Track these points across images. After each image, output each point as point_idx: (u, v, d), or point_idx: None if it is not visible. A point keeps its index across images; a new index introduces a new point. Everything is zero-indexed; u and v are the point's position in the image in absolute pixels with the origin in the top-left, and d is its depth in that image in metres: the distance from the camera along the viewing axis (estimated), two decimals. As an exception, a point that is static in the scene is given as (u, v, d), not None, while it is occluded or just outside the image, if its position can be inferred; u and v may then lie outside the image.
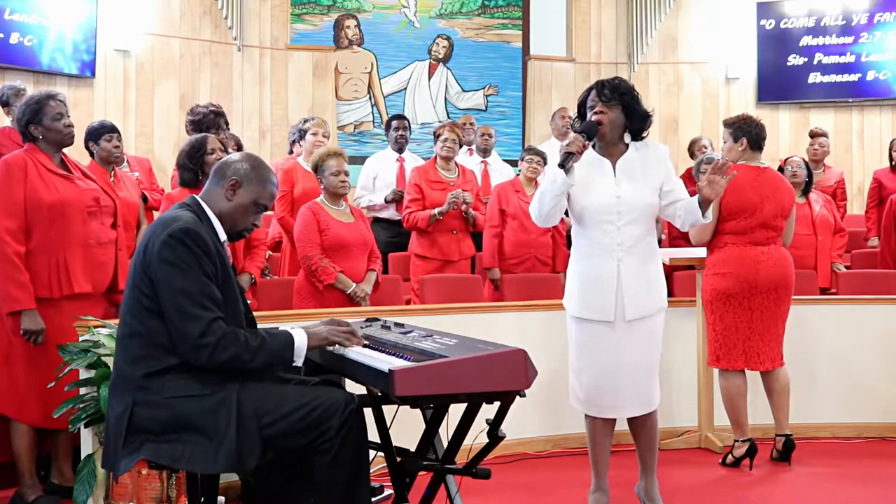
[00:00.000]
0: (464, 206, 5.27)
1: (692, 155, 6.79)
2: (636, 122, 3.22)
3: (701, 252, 4.23)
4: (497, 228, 5.52)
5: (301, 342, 2.57)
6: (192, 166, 3.95)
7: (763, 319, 4.05)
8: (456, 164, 5.53)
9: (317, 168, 4.45)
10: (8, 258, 3.35)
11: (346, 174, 4.43)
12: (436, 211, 5.22)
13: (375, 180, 6.05)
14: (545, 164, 5.76)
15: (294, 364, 2.57)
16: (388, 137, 6.30)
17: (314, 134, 5.37)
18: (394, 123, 6.21)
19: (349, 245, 4.39)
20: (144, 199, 4.97)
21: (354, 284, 4.36)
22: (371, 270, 4.50)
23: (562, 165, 3.03)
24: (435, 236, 5.31)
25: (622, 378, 3.20)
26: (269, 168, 2.73)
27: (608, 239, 3.15)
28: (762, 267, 4.03)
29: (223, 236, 2.62)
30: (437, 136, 5.54)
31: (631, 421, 3.35)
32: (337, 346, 2.65)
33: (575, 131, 3.11)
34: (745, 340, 4.06)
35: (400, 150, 6.16)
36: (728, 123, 4.23)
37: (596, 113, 3.17)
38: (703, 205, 3.14)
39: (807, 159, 6.09)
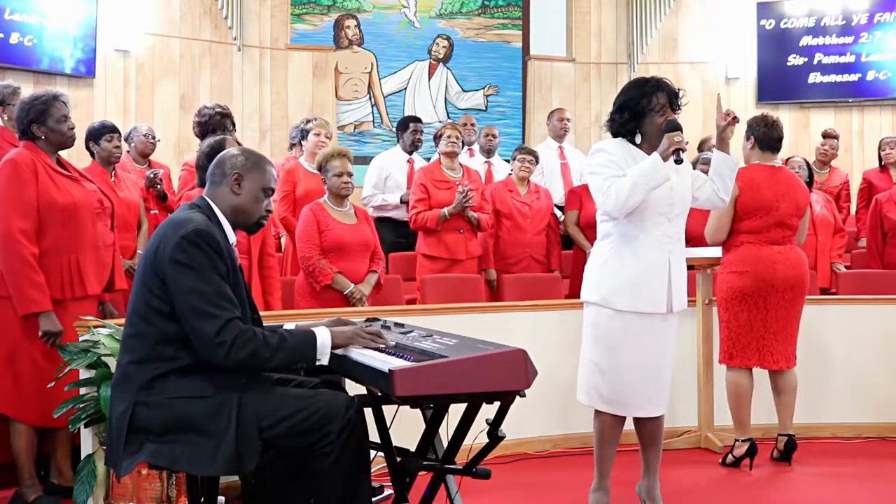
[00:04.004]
0: (470, 197, 5.19)
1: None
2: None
3: (715, 252, 4.23)
4: (492, 229, 5.51)
5: (324, 340, 2.55)
6: None
7: (778, 319, 4.07)
8: (460, 164, 5.52)
9: (321, 168, 4.45)
10: (24, 259, 3.33)
11: (350, 175, 4.40)
12: (445, 210, 5.19)
13: (387, 180, 6.02)
14: (537, 163, 5.76)
15: (318, 363, 2.54)
16: (400, 137, 6.22)
17: (316, 134, 5.35)
18: (411, 125, 6.17)
19: (348, 246, 4.37)
20: (164, 197, 5.02)
21: (352, 285, 4.35)
22: (372, 272, 4.48)
23: (679, 161, 3.16)
24: (442, 235, 5.27)
25: (657, 375, 3.27)
26: (262, 155, 2.75)
27: (660, 231, 3.23)
28: (779, 266, 4.04)
29: (232, 238, 2.62)
30: (438, 136, 5.50)
31: (641, 421, 3.37)
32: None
33: (668, 129, 3.17)
34: (760, 339, 4.07)
35: (412, 152, 6.15)
36: (748, 122, 4.28)
37: (669, 119, 3.24)
38: (723, 143, 3.39)
39: (812, 159, 6.09)
